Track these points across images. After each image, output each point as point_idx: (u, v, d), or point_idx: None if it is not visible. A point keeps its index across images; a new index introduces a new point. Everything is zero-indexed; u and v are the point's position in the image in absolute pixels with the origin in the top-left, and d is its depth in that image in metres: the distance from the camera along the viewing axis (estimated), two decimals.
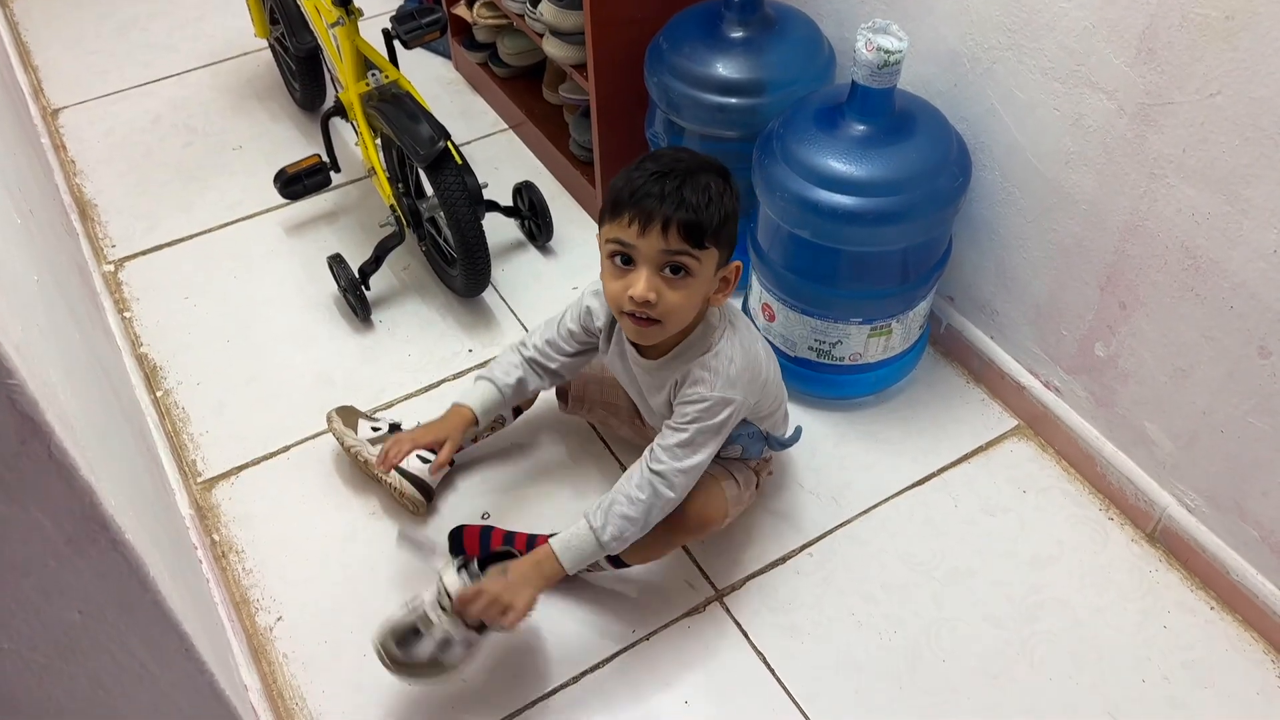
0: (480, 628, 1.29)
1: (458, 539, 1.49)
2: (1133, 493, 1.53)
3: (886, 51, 1.35)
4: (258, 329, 1.87)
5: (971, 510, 1.57)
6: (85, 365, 1.17)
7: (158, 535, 1.12)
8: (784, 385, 1.47)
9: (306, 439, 1.68)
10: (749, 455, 1.45)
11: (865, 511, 1.57)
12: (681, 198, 1.15)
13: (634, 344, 1.33)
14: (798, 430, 1.50)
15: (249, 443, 1.68)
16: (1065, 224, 1.45)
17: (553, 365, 1.44)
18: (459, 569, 1.27)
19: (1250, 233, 1.21)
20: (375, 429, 1.59)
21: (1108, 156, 1.34)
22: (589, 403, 1.60)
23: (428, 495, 1.54)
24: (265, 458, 1.66)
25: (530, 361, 1.45)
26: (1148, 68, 1.23)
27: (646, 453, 1.30)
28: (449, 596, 1.25)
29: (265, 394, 1.76)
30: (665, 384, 1.31)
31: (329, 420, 1.62)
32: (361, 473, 1.60)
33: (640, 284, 1.18)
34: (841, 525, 1.55)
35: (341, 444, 1.60)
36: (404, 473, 1.52)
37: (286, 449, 1.67)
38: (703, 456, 1.28)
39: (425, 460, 1.52)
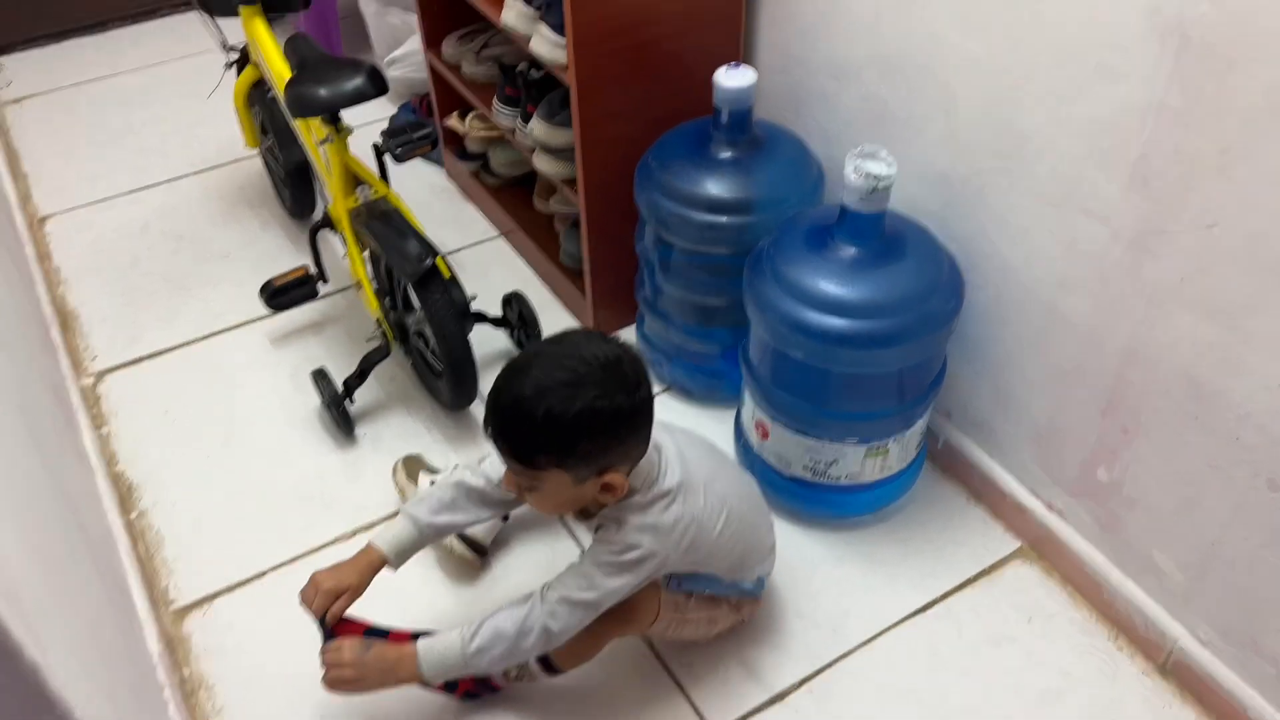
0: None
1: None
2: (1142, 622, 1.47)
3: (876, 177, 1.34)
4: (238, 445, 1.82)
5: (976, 640, 1.51)
6: (46, 506, 1.12)
7: (116, 690, 1.06)
8: (756, 538, 1.40)
9: (283, 564, 1.62)
10: (717, 593, 1.40)
11: (866, 642, 1.50)
12: (499, 426, 1.15)
13: None
14: (759, 581, 1.45)
15: (224, 567, 1.62)
16: (1062, 347, 1.42)
17: (510, 496, 1.34)
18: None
19: (1255, 364, 1.17)
20: (433, 484, 1.57)
21: (1104, 282, 1.32)
22: None
23: (480, 552, 1.58)
24: (240, 584, 1.60)
25: (476, 493, 1.35)
26: (1141, 197, 1.22)
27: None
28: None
29: (242, 515, 1.70)
30: (594, 530, 1.28)
31: (394, 471, 1.68)
32: None
33: (505, 478, 1.22)
34: (841, 658, 1.49)
35: (401, 497, 1.65)
36: (464, 538, 1.56)
37: (262, 574, 1.61)
38: (595, 595, 1.22)
39: (473, 545, 1.56)
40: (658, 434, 1.27)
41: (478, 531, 1.58)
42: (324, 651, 1.26)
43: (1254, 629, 1.32)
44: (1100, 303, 1.34)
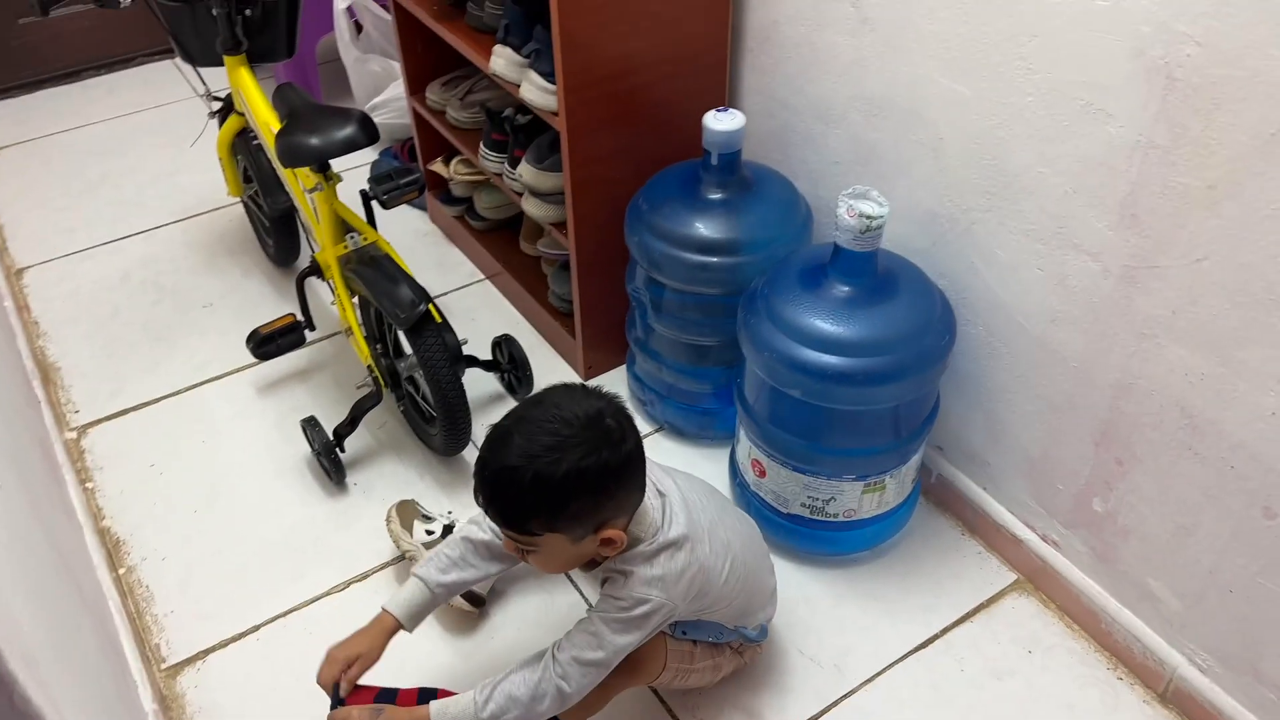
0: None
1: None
2: (1140, 651, 1.48)
3: (868, 217, 1.36)
4: (226, 497, 1.79)
5: (978, 673, 1.51)
6: (47, 566, 1.10)
7: None
8: (758, 582, 1.40)
9: (276, 617, 1.60)
10: (720, 640, 1.40)
11: (869, 680, 1.50)
12: (488, 496, 1.14)
13: None
14: (763, 629, 1.45)
15: (216, 623, 1.59)
16: (1054, 380, 1.44)
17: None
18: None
19: (1246, 394, 1.20)
20: (430, 532, 1.63)
21: (1094, 316, 1.34)
22: None
23: (478, 603, 1.58)
24: (233, 639, 1.57)
25: (483, 546, 1.34)
26: (1131, 232, 1.25)
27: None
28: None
29: (233, 568, 1.67)
30: (600, 583, 1.27)
31: (388, 519, 1.67)
32: None
33: (504, 543, 1.21)
34: (845, 697, 1.48)
35: (397, 547, 1.64)
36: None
37: (256, 629, 1.58)
38: (605, 654, 1.20)
39: (470, 596, 1.57)
40: (662, 480, 1.27)
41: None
42: (331, 718, 1.23)
43: (1253, 655, 1.34)
44: (1091, 336, 1.36)
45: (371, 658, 1.29)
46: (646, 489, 1.22)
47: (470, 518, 1.37)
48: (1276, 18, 1.01)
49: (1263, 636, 1.31)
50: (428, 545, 1.60)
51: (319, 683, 1.27)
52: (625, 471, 1.14)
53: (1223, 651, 1.38)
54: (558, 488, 1.09)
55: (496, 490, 1.13)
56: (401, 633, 1.32)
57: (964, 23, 1.34)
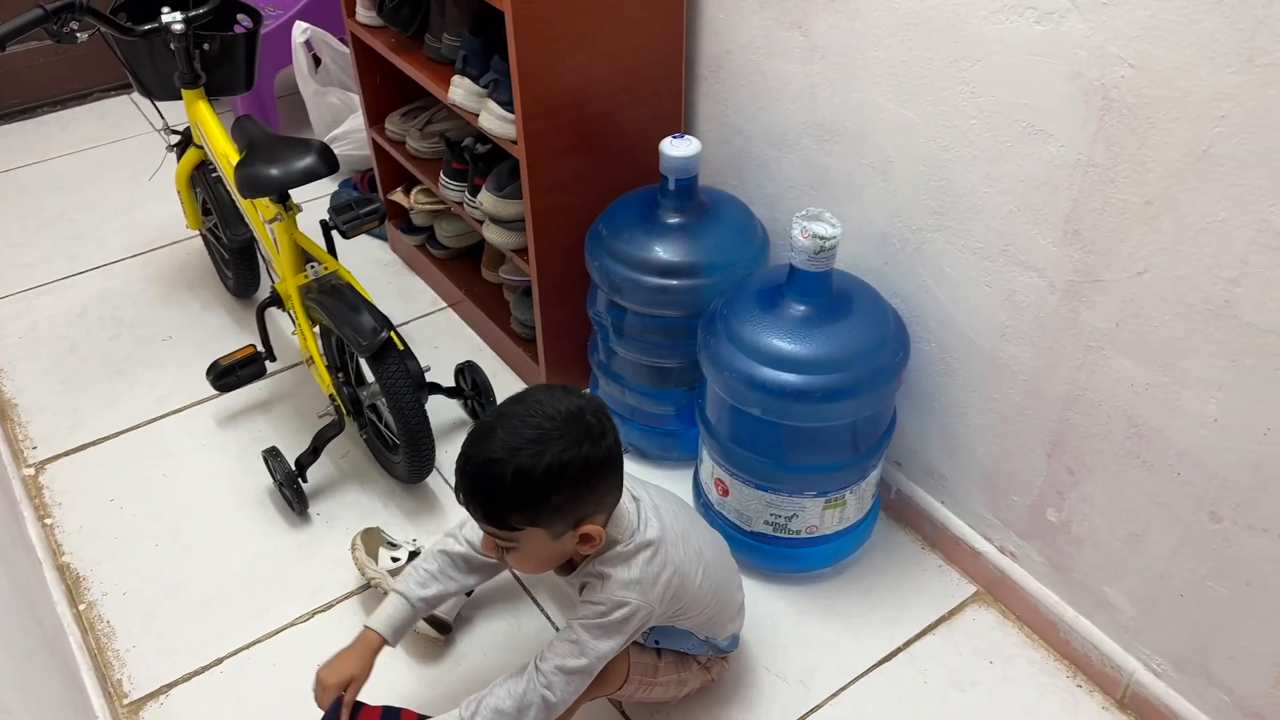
0: None
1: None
2: (1098, 658, 1.51)
3: (821, 238, 1.39)
4: (187, 530, 1.78)
5: (941, 685, 1.53)
6: (8, 602, 1.09)
7: None
8: (728, 594, 1.41)
9: (240, 649, 1.58)
10: (689, 651, 1.41)
11: (834, 695, 1.52)
12: (470, 491, 1.16)
13: None
14: (734, 639, 1.47)
15: (178, 656, 1.57)
16: (1006, 393, 1.48)
17: (492, 559, 1.35)
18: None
19: (1189, 402, 1.24)
20: (395, 559, 1.62)
21: (1042, 330, 1.38)
22: None
23: (444, 629, 1.58)
24: (196, 673, 1.55)
25: (460, 559, 1.37)
26: (1074, 248, 1.29)
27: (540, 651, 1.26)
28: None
29: (195, 601, 1.66)
30: (578, 589, 1.28)
31: (353, 547, 1.66)
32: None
33: (483, 541, 1.23)
34: (811, 712, 1.50)
35: (362, 574, 1.64)
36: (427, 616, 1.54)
37: (219, 661, 1.57)
38: (587, 661, 1.22)
39: (436, 623, 1.57)
40: (634, 487, 1.29)
41: (441, 608, 1.56)
42: None
43: (1205, 657, 1.37)
44: (1040, 349, 1.40)
45: (363, 678, 1.31)
46: (623, 491, 1.24)
47: (446, 531, 1.39)
48: (1203, 40, 1.06)
49: (1213, 639, 1.35)
50: (393, 573, 1.60)
51: (320, 706, 1.28)
52: (605, 466, 1.17)
53: (1176, 655, 1.41)
54: (539, 481, 1.11)
55: (479, 484, 1.14)
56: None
57: (909, 50, 1.39)
